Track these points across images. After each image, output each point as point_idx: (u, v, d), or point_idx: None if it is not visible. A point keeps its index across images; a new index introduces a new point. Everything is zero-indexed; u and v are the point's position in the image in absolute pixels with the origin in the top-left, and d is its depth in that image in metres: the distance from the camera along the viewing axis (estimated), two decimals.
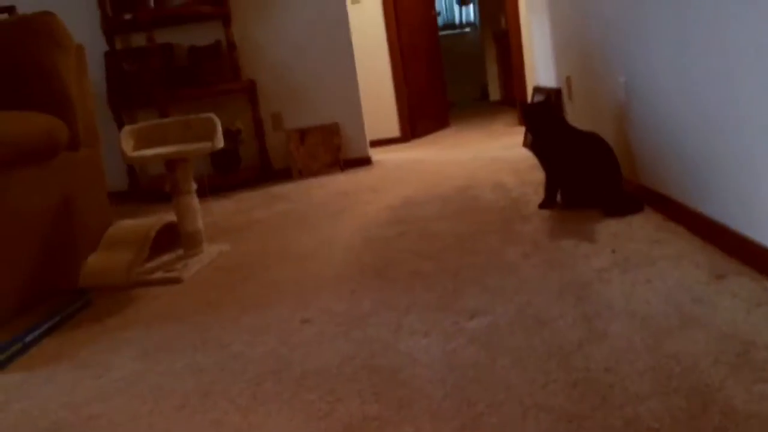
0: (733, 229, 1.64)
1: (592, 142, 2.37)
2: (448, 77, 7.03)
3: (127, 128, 2.41)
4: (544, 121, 2.46)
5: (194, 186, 2.41)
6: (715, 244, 1.75)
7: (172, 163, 2.34)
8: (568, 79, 3.40)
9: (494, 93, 8.38)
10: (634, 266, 1.70)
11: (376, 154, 4.84)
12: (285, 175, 4.43)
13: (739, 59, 1.50)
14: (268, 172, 4.44)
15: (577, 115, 3.20)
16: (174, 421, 1.24)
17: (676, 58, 1.86)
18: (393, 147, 5.45)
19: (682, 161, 1.93)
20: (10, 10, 4.18)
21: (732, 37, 1.52)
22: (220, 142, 2.40)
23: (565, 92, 3.53)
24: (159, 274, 2.25)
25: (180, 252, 2.46)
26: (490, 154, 4.21)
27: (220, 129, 2.42)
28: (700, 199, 1.85)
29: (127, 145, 2.36)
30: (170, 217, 2.48)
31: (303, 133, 4.42)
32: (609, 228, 2.09)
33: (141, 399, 1.35)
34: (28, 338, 1.73)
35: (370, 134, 4.74)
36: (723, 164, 1.67)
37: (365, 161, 4.50)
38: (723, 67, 1.58)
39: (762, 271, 1.50)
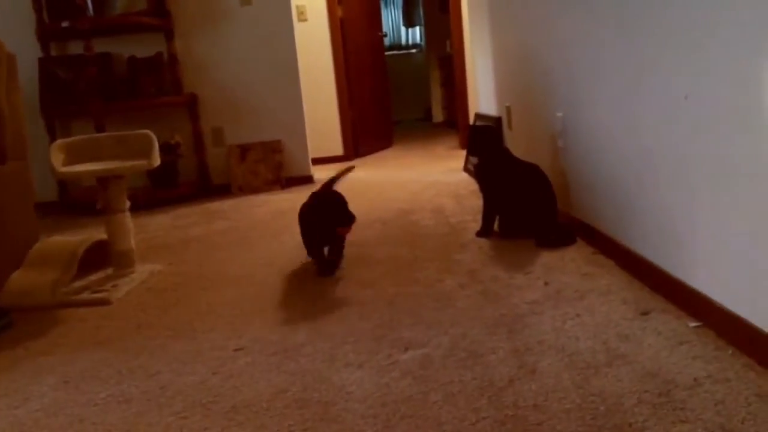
0: (659, 266, 1.71)
1: (532, 173, 2.43)
2: (392, 96, 7.08)
3: (57, 143, 2.33)
4: (488, 146, 2.52)
5: (127, 204, 2.34)
6: (641, 279, 1.81)
7: (104, 180, 2.27)
8: (508, 109, 3.48)
9: (437, 115, 8.51)
10: (565, 300, 1.75)
11: (319, 172, 4.82)
12: (224, 190, 4.36)
13: (678, 102, 1.56)
14: (207, 188, 4.36)
15: (515, 145, 3.28)
16: None
17: (617, 97, 1.93)
18: (336, 165, 5.44)
19: (615, 197, 2.00)
20: None
21: (674, 80, 1.59)
22: (156, 160, 2.34)
23: (505, 121, 3.62)
24: (86, 295, 2.17)
25: (110, 271, 2.38)
26: (432, 177, 4.25)
27: (156, 146, 2.36)
28: (629, 235, 1.92)
29: (57, 159, 2.28)
30: (100, 234, 2.40)
31: (244, 149, 4.37)
32: (542, 259, 2.14)
33: None
34: None
35: (313, 152, 4.73)
36: (653, 203, 1.73)
37: (307, 179, 4.48)
38: (663, 108, 1.64)
39: (685, 308, 1.56)
